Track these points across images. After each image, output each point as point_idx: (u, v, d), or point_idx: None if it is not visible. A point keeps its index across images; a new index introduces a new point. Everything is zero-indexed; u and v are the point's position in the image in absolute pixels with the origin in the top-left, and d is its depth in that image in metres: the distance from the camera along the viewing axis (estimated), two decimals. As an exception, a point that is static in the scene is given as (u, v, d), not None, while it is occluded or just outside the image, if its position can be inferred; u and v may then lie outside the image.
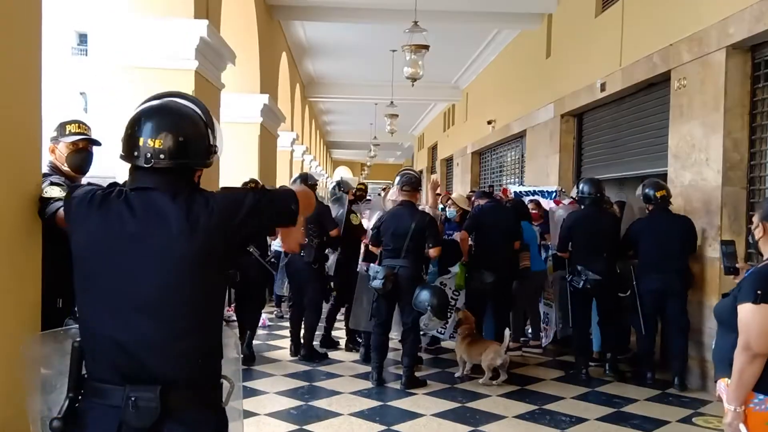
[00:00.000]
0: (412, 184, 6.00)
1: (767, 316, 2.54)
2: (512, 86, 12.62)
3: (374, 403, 5.27)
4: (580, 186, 6.64)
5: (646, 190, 6.12)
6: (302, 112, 17.48)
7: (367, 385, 5.78)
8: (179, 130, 1.97)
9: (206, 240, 1.89)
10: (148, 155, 1.93)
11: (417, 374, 5.96)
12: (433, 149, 23.44)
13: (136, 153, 1.95)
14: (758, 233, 2.75)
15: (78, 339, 1.92)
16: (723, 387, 2.71)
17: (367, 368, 6.07)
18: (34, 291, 2.85)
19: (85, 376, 1.89)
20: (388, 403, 5.28)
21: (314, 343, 6.74)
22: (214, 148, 2.08)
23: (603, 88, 8.22)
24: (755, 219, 2.80)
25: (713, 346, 2.90)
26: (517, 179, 12.85)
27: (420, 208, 6.25)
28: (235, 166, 8.97)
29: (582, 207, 6.55)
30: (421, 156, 26.04)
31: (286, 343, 7.01)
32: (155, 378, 1.81)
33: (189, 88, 5.86)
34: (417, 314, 5.71)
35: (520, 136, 12.41)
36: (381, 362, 5.88)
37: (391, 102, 15.17)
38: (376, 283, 5.69)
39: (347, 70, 16.30)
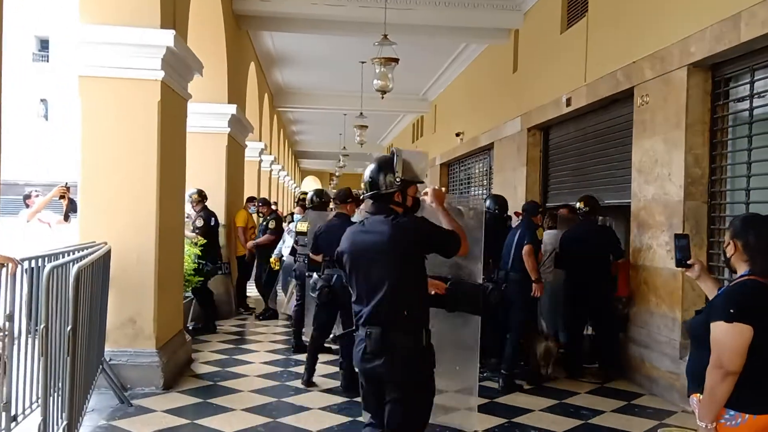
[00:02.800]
0: (340, 197, 6.49)
1: (740, 334, 2.56)
2: (480, 99, 12.74)
3: (344, 419, 5.24)
4: (487, 202, 6.97)
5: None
6: (270, 122, 17.42)
7: (338, 400, 5.75)
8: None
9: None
10: None
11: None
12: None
13: None
14: (729, 251, 2.78)
15: None
16: (696, 402, 2.74)
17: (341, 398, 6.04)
18: None
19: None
20: (359, 419, 5.26)
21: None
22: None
23: (569, 103, 8.34)
24: (726, 237, 2.82)
25: (687, 361, 2.93)
26: (485, 191, 12.96)
27: None
28: (202, 176, 8.92)
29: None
30: (390, 167, 26.05)
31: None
32: (381, 322, 3.09)
33: (155, 98, 5.83)
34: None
35: (488, 148, 12.53)
36: (313, 365, 6.23)
37: (361, 113, 15.19)
38: (315, 293, 6.08)
39: (316, 81, 16.30)
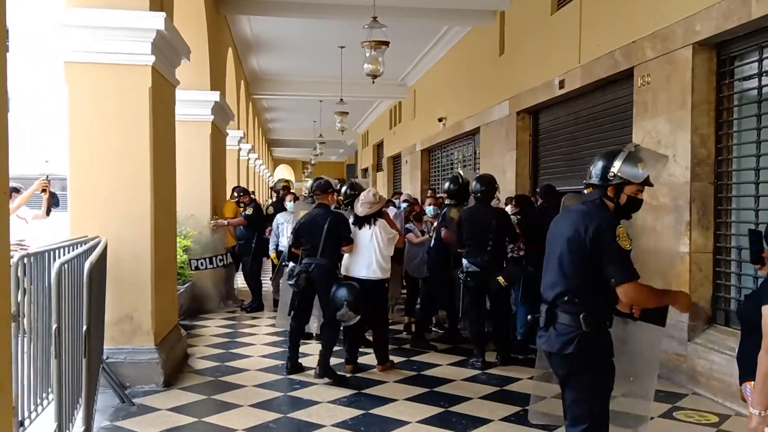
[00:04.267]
0: (321, 188, 6.45)
1: None
2: (464, 83, 12.60)
3: (356, 412, 5.10)
4: (473, 184, 6.88)
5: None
6: (247, 109, 17.09)
7: (346, 393, 5.61)
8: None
9: None
10: None
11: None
12: (379, 147, 23.31)
13: None
14: None
15: None
16: (749, 390, 2.66)
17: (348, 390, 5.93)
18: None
19: None
20: (371, 411, 5.12)
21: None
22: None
23: (562, 85, 8.25)
24: None
25: (738, 348, 2.85)
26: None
27: None
28: (186, 166, 8.63)
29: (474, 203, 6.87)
30: (366, 153, 25.90)
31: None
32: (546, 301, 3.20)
33: (145, 84, 5.59)
34: (334, 309, 5.94)
35: (472, 133, 12.41)
36: (295, 352, 6.27)
37: (341, 99, 14.96)
38: (292, 281, 6.16)
39: (293, 67, 16.00)
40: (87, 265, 3.27)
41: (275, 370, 6.29)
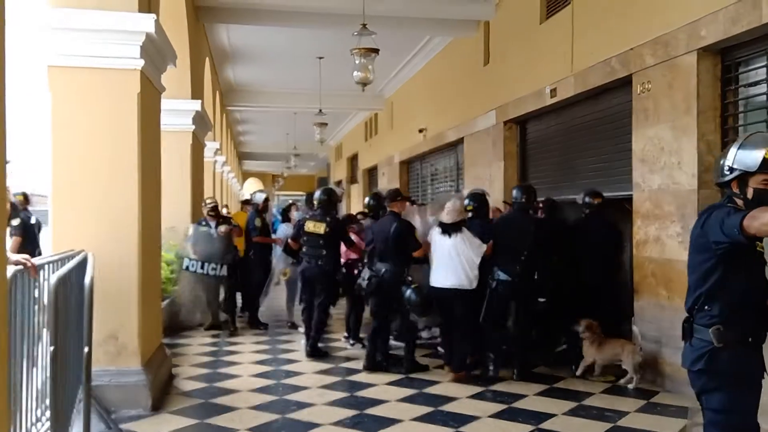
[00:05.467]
0: (391, 196, 6.87)
1: None
2: (446, 94, 12.45)
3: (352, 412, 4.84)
4: (513, 191, 6.80)
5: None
6: (221, 121, 16.74)
7: (348, 413, 5.34)
8: None
9: None
10: None
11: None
12: (354, 159, 23.10)
13: None
14: None
15: None
16: None
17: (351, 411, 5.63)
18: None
19: None
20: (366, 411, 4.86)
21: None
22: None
23: (553, 93, 8.13)
24: None
25: None
26: (452, 187, 12.72)
27: None
28: (167, 177, 8.28)
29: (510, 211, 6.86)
30: (340, 166, 25.65)
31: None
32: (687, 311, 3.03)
33: (134, 90, 5.29)
34: (405, 310, 6.50)
35: (455, 144, 12.26)
36: (374, 349, 6.74)
37: (320, 110, 14.72)
38: (364, 283, 6.69)
39: (269, 78, 15.74)
40: (87, 281, 2.97)
41: (268, 390, 5.99)
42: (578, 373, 6.38)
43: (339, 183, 25.78)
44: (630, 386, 6.07)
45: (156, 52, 5.63)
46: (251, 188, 37.20)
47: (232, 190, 24.89)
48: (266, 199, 9.28)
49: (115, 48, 5.14)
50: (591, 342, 6.29)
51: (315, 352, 7.28)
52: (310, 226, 7.43)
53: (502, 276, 6.37)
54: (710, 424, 2.91)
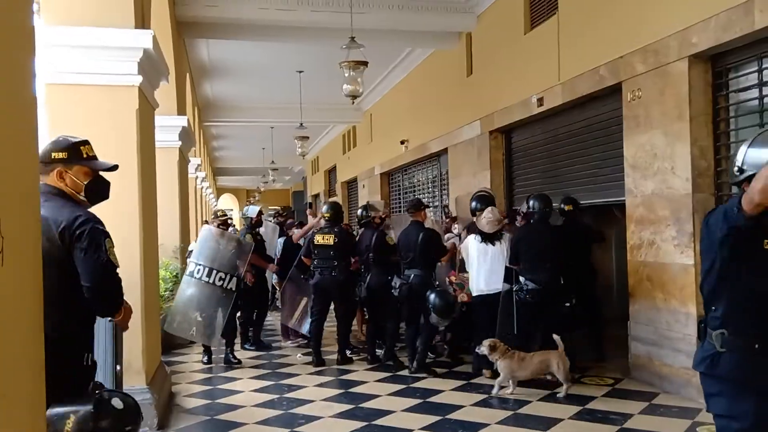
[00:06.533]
0: (414, 206, 7.42)
1: None
2: (428, 105, 12.54)
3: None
4: (530, 202, 6.85)
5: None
6: (199, 137, 16.63)
7: (357, 425, 5.33)
8: None
9: None
10: None
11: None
12: (331, 172, 23.09)
13: None
14: None
15: None
16: None
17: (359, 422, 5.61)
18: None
19: None
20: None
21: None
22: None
23: (540, 102, 8.24)
24: None
25: None
26: (436, 197, 12.80)
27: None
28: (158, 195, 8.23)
29: (531, 222, 6.84)
30: (317, 179, 25.61)
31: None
32: None
33: (132, 106, 5.25)
34: (428, 314, 6.73)
35: (438, 154, 12.34)
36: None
37: (301, 124, 14.71)
38: (396, 291, 7.09)
39: (248, 93, 15.71)
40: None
41: (272, 405, 5.95)
42: (494, 393, 6.07)
43: (316, 196, 25.75)
44: (560, 395, 5.92)
45: (152, 67, 5.59)
46: (225, 205, 37.03)
47: (210, 207, 24.72)
48: (260, 212, 9.04)
49: (113, 65, 5.09)
50: (510, 359, 5.99)
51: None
52: (320, 239, 7.56)
53: (531, 285, 6.47)
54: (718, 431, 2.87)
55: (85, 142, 3.01)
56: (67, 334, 2.82)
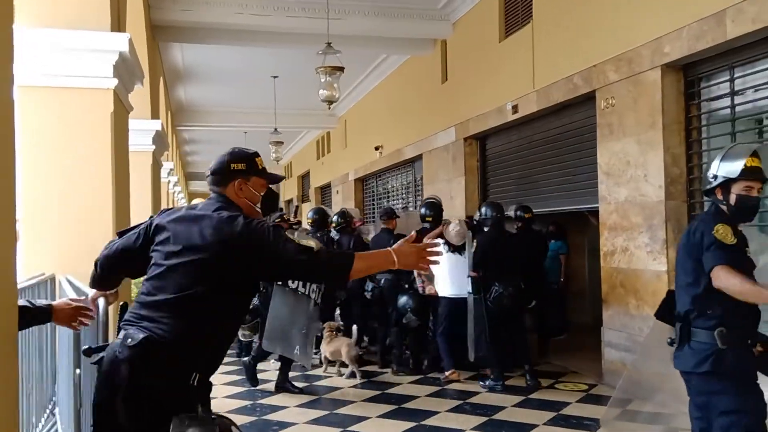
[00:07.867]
0: (387, 214, 7.96)
1: None
2: (403, 111, 12.58)
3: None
4: (483, 209, 6.99)
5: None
6: (172, 141, 16.48)
7: (321, 413, 5.30)
8: None
9: None
10: None
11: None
12: (305, 177, 23.01)
13: None
14: None
15: None
16: None
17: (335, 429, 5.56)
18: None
19: None
20: None
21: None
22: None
23: (515, 110, 8.31)
24: None
25: None
26: (410, 203, 12.83)
27: None
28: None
29: (485, 229, 6.91)
30: (290, 185, 25.51)
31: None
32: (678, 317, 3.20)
33: (107, 109, 5.18)
34: (399, 314, 7.11)
35: (412, 160, 12.38)
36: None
37: (275, 129, 14.65)
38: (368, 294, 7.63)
39: (222, 98, 15.60)
40: (101, 303, 2.91)
41: (246, 411, 5.89)
42: (323, 370, 7.34)
43: (290, 201, 25.64)
44: (344, 376, 7.08)
45: (127, 71, 5.53)
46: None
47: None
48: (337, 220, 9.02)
49: (88, 67, 5.02)
50: (326, 340, 7.23)
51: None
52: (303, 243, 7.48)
53: (504, 290, 6.56)
54: (721, 429, 2.95)
55: (258, 154, 2.81)
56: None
